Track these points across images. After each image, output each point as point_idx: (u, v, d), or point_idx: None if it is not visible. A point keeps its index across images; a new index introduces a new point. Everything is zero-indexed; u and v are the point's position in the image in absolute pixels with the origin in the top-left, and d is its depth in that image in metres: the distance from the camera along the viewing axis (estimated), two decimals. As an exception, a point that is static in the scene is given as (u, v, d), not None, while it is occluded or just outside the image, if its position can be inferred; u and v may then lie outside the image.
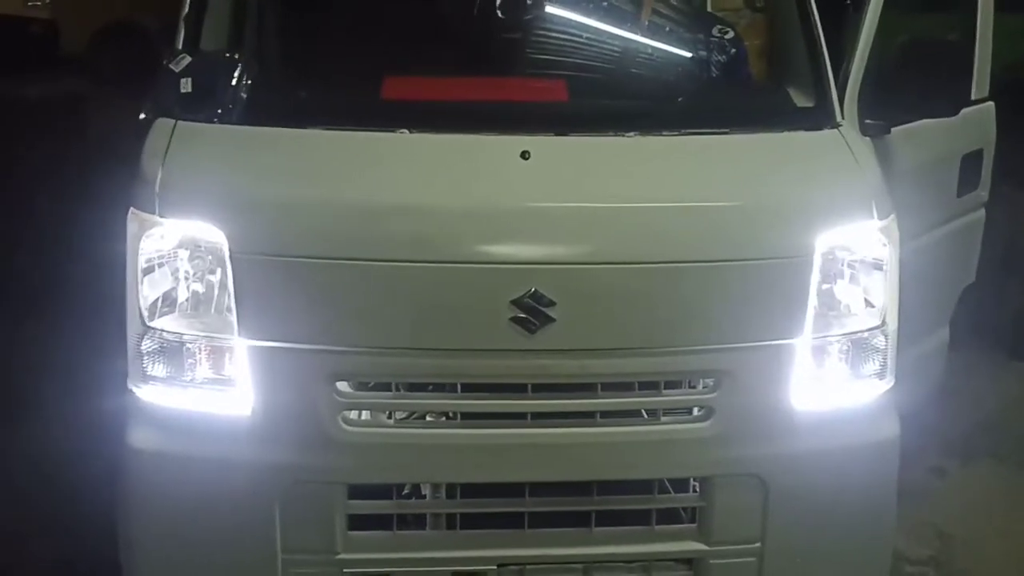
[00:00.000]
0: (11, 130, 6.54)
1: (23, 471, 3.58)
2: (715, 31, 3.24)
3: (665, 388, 2.44)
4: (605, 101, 2.81)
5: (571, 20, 3.09)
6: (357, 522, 2.45)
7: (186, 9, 2.65)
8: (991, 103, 3.65)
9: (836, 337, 2.48)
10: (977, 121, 3.57)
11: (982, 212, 3.73)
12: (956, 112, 3.00)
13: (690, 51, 3.22)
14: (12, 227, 5.46)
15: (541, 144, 2.42)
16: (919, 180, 3.12)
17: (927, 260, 3.16)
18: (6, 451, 3.68)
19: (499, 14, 2.83)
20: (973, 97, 3.49)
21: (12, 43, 8.61)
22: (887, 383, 2.54)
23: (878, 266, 2.49)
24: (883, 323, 2.50)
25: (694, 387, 2.48)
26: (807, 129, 2.60)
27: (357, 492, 2.43)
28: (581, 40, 3.08)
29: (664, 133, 2.53)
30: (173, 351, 2.37)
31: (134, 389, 2.41)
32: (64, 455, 3.55)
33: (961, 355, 3.87)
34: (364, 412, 2.47)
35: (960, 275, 3.76)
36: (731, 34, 3.25)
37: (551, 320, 2.31)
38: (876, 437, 2.54)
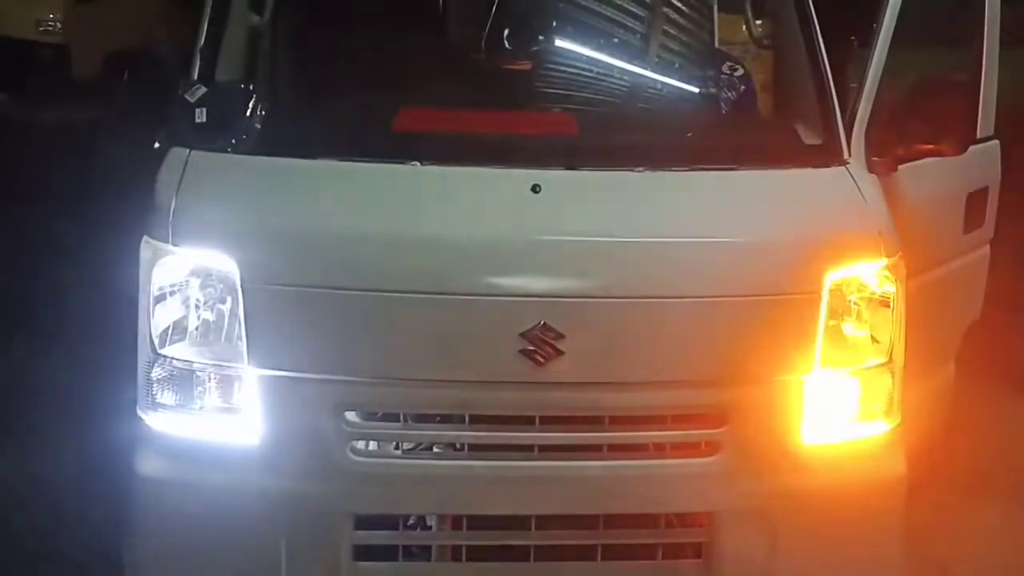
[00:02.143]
0: (22, 155, 6.57)
1: (26, 499, 3.56)
2: (725, 68, 3.27)
3: (672, 422, 2.45)
4: (615, 136, 2.83)
5: (581, 54, 3.12)
6: (362, 552, 2.45)
7: (202, 40, 2.69)
8: (996, 141, 3.66)
9: (843, 374, 2.49)
10: (983, 159, 3.59)
11: (987, 249, 3.74)
12: (963, 150, 3.02)
13: (700, 87, 3.25)
14: (20, 251, 5.47)
15: (552, 178, 2.44)
16: (925, 217, 3.14)
17: (933, 296, 3.17)
18: (9, 478, 3.67)
19: (506, 44, 2.86)
20: (979, 135, 3.52)
21: (24, 67, 8.68)
22: (894, 419, 2.54)
23: (885, 303, 2.50)
24: (890, 360, 2.51)
25: (701, 422, 2.48)
26: (815, 166, 2.61)
27: (363, 522, 2.43)
28: (591, 74, 3.11)
29: (673, 169, 2.54)
30: (183, 379, 2.38)
31: (143, 416, 2.42)
32: (69, 483, 3.53)
33: (967, 391, 3.86)
34: (372, 442, 2.47)
35: (966, 311, 3.77)
36: (740, 71, 3.28)
37: (560, 353, 2.32)
38: (883, 474, 2.54)
